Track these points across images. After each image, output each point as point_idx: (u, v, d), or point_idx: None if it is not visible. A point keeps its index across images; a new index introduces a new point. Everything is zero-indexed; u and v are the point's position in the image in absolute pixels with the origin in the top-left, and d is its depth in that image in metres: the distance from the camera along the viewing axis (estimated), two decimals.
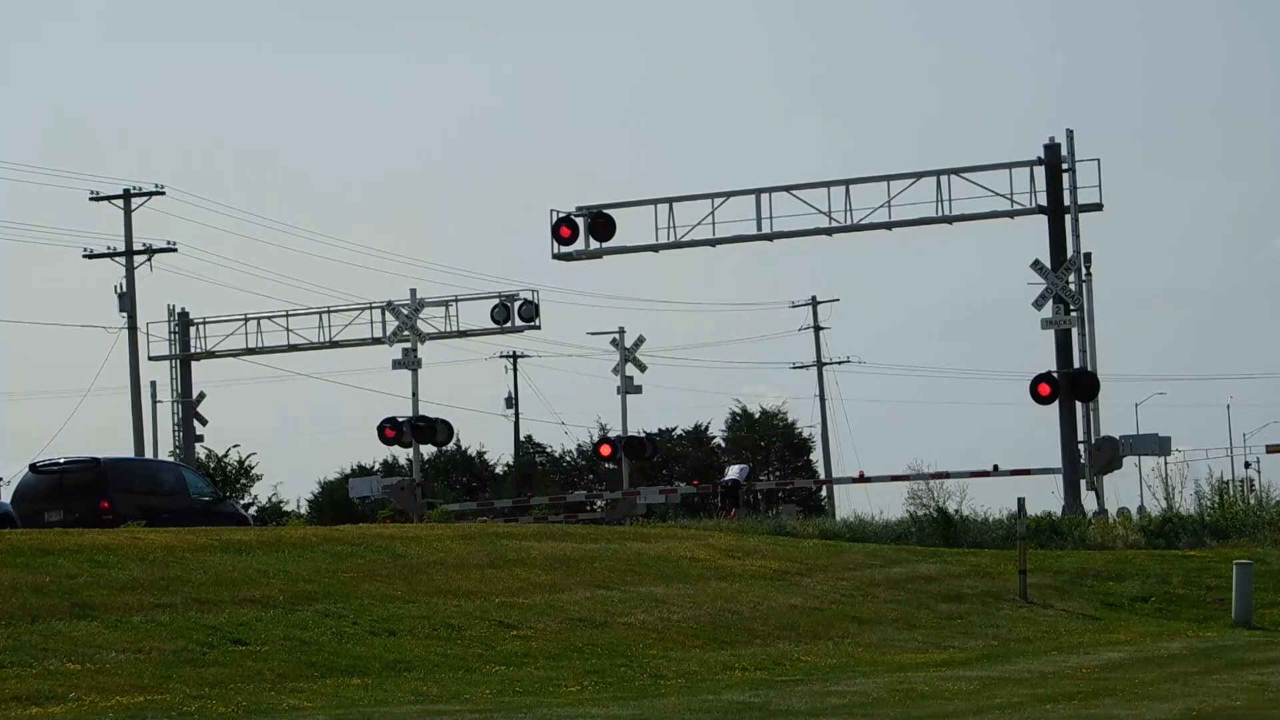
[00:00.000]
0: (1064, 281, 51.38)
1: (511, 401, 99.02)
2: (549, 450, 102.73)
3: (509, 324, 62.10)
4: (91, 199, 70.08)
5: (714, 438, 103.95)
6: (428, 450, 70.14)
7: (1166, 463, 53.41)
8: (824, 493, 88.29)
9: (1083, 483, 51.73)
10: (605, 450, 64.23)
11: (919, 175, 53.97)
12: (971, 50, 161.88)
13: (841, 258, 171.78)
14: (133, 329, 69.06)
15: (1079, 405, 51.86)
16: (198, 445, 70.30)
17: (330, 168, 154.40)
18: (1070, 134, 52.23)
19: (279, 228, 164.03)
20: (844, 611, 34.05)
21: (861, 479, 61.60)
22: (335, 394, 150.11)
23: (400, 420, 59.12)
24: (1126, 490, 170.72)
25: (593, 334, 72.62)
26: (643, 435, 75.94)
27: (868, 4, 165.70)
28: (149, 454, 67.76)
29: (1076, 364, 51.80)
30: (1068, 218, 52.04)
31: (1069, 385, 51.39)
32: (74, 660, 22.01)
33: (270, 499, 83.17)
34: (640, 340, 60.90)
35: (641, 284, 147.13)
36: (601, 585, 32.64)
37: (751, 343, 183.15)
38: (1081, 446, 51.87)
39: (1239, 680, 23.77)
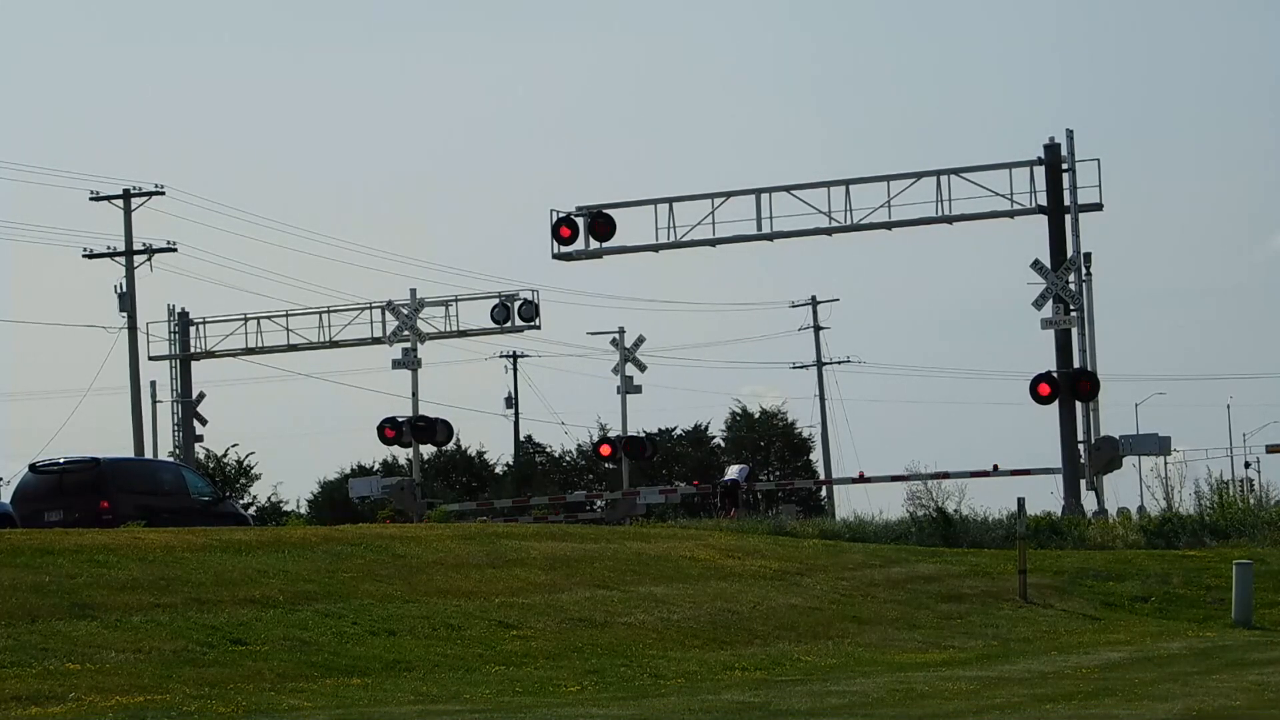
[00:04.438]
0: (1064, 281, 51.38)
1: (511, 401, 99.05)
2: (549, 450, 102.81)
3: (509, 324, 62.09)
4: (91, 199, 70.07)
5: (714, 438, 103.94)
6: (428, 450, 70.16)
7: (1166, 463, 53.46)
8: (824, 493, 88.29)
9: (1083, 483, 51.72)
10: (605, 450, 64.22)
11: (919, 175, 53.97)
12: (971, 50, 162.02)
13: (841, 258, 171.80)
14: (133, 329, 69.06)
15: (1079, 405, 51.87)
16: (197, 445, 70.30)
17: (330, 168, 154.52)
18: (1070, 134, 52.25)
19: (279, 228, 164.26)
20: (844, 611, 34.05)
21: (861, 479, 61.59)
22: (335, 394, 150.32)
23: (400, 420, 59.12)
24: (1126, 490, 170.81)
25: (593, 334, 72.76)
26: (643, 435, 75.97)
27: (868, 4, 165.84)
28: (149, 454, 67.73)
29: (1076, 364, 51.79)
30: (1068, 218, 52.04)
31: (1069, 385, 51.40)
32: (74, 660, 22.01)
33: (270, 499, 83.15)
34: (640, 340, 60.94)
35: (641, 284, 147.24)
36: (601, 585, 32.64)
37: (751, 343, 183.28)
38: (1081, 446, 51.86)
39: (1239, 680, 23.77)
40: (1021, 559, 38.20)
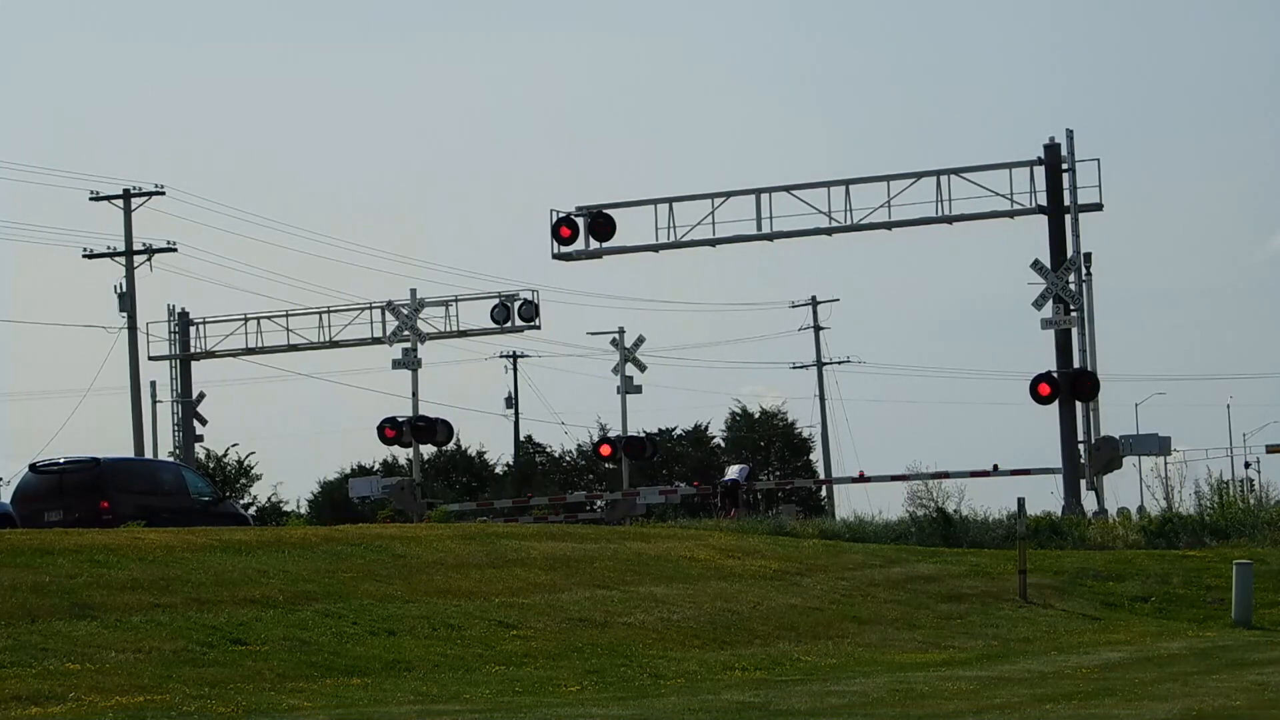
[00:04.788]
0: (1064, 281, 51.37)
1: (511, 401, 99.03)
2: (549, 450, 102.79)
3: (509, 324, 62.10)
4: (91, 199, 70.08)
5: (714, 438, 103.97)
6: (428, 450, 70.14)
7: (1166, 463, 53.52)
8: (824, 493, 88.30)
9: (1083, 483, 51.72)
10: (605, 450, 64.26)
11: (919, 175, 53.97)
12: (971, 50, 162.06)
13: (841, 258, 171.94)
14: (133, 329, 69.05)
15: (1079, 405, 51.86)
16: (197, 445, 70.30)
17: (330, 168, 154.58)
18: (1070, 134, 52.25)
19: (279, 228, 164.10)
20: (844, 611, 34.06)
21: (861, 479, 61.59)
22: (335, 394, 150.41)
23: (400, 420, 59.11)
24: (1126, 490, 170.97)
25: (593, 334, 72.90)
26: (643, 435, 75.95)
27: (868, 4, 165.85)
28: (149, 454, 67.74)
29: (1076, 364, 51.79)
30: (1068, 218, 52.04)
31: (1069, 385, 51.39)
32: (74, 660, 22.01)
33: (270, 499, 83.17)
34: (640, 340, 60.94)
35: (641, 284, 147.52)
36: (601, 585, 32.64)
37: (751, 343, 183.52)
38: (1081, 446, 51.86)
39: (1239, 680, 23.77)
40: (1021, 559, 38.20)
